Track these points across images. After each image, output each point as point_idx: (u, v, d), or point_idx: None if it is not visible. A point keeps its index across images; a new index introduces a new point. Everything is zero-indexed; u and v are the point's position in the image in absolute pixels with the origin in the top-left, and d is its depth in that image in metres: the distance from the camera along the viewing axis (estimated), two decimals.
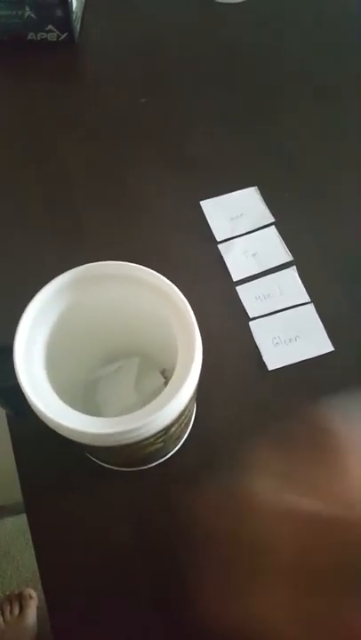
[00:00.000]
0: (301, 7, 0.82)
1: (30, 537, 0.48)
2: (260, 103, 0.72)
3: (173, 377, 0.34)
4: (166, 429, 0.36)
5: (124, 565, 0.47)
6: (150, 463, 0.49)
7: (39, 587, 0.48)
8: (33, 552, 0.48)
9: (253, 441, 0.49)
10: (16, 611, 1.22)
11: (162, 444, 0.40)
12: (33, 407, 0.33)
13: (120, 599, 0.46)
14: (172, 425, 0.37)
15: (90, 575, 0.47)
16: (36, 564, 0.47)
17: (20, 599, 1.23)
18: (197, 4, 0.82)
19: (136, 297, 0.38)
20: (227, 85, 0.74)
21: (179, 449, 0.50)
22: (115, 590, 0.47)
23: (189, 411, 0.41)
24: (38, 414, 0.33)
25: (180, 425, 0.41)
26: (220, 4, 0.81)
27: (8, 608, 1.22)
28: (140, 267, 0.37)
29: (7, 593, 1.25)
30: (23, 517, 0.50)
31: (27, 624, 1.20)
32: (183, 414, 0.38)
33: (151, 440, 0.36)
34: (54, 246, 0.61)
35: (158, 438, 0.37)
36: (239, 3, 0.81)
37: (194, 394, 0.39)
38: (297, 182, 0.66)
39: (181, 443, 0.50)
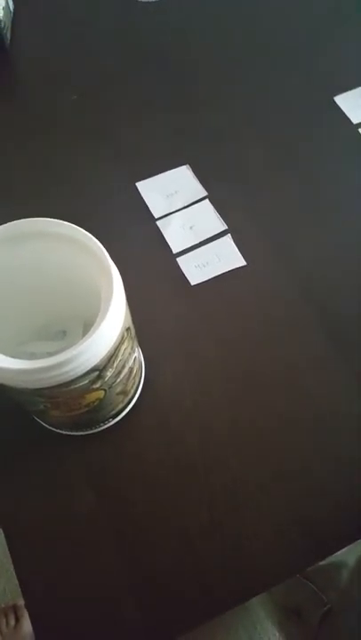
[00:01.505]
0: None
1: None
2: (181, 89, 0.77)
3: (97, 318, 0.37)
4: (99, 371, 0.39)
5: (88, 536, 0.49)
6: (100, 423, 0.51)
7: None
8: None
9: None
10: (12, 622, 1.21)
11: (102, 392, 0.43)
12: None
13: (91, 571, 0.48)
14: (103, 368, 0.39)
15: (58, 551, 0.49)
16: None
17: (15, 610, 1.23)
18: (117, 3, 0.86)
19: (58, 253, 0.40)
20: (149, 76, 0.78)
21: (131, 411, 0.53)
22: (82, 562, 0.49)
23: (125, 360, 0.44)
24: None
25: (118, 374, 0.43)
26: (141, 2, 0.86)
27: (4, 620, 1.22)
28: (58, 221, 0.39)
29: (2, 605, 1.24)
30: None
31: (24, 634, 1.20)
32: (115, 359, 0.41)
33: (85, 383, 0.39)
34: None
35: (94, 383, 0.40)
36: (162, 1, 0.86)
37: (125, 342, 0.42)
38: (223, 157, 0.70)
39: (132, 404, 0.53)
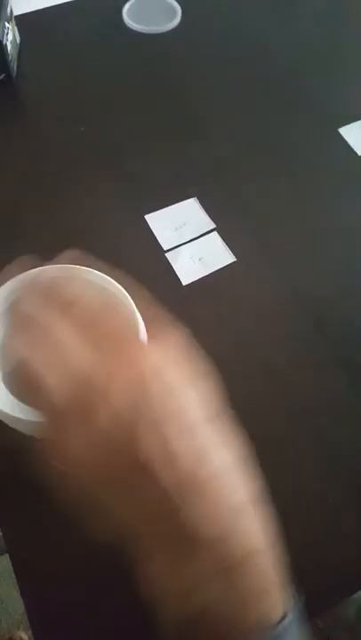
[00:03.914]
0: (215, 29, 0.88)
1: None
2: (187, 122, 0.77)
3: None
4: None
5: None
6: None
7: (29, 630, 0.48)
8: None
9: None
10: None
11: None
12: None
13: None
14: None
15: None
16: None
17: None
18: (120, 34, 0.87)
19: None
20: (155, 108, 0.79)
21: None
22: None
23: None
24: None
25: None
26: (144, 35, 0.87)
27: None
28: (89, 269, 0.39)
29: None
30: (7, 558, 0.50)
31: None
32: None
33: None
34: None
35: None
36: (162, 33, 0.87)
37: None
38: (230, 189, 0.71)
39: None
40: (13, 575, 0.49)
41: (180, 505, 0.24)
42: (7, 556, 0.51)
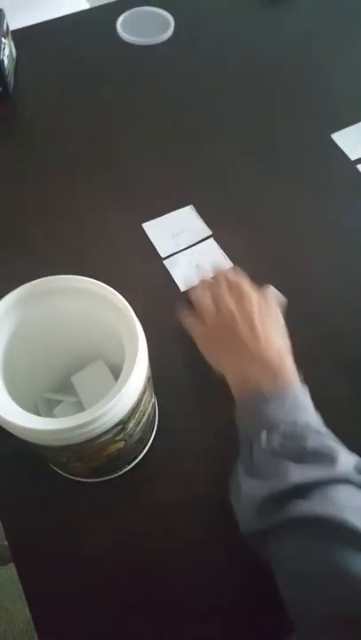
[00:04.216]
0: (215, 43, 0.90)
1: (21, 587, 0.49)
2: (182, 131, 0.79)
3: (120, 375, 0.37)
4: (122, 424, 0.39)
5: (103, 578, 0.49)
6: (118, 470, 0.51)
7: (35, 637, 0.48)
8: (25, 602, 0.48)
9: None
10: None
11: (123, 442, 0.43)
12: None
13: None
14: (127, 420, 0.40)
15: (71, 590, 0.49)
16: (29, 615, 0.48)
17: None
18: (114, 47, 0.89)
19: (84, 306, 0.41)
20: (151, 118, 0.80)
21: (146, 454, 0.53)
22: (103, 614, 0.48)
23: (145, 409, 0.44)
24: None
25: (138, 423, 0.44)
26: (139, 46, 0.88)
27: None
28: (87, 278, 0.40)
29: None
30: (11, 567, 0.50)
31: None
32: (137, 410, 0.41)
33: (109, 437, 0.39)
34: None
35: (117, 435, 0.40)
36: (156, 44, 0.89)
37: (146, 392, 0.42)
38: (226, 196, 0.72)
39: (147, 449, 0.53)
40: (18, 585, 0.50)
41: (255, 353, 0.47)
42: (12, 565, 0.51)
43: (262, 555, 0.40)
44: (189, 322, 0.55)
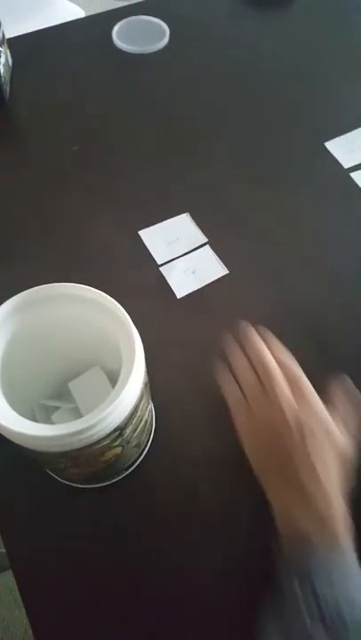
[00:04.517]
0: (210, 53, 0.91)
1: (18, 594, 0.49)
2: (178, 137, 0.79)
3: (118, 382, 0.38)
4: (119, 430, 0.39)
5: (102, 582, 0.49)
6: (116, 475, 0.51)
7: None
8: (22, 609, 0.48)
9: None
10: None
11: (120, 448, 0.43)
12: None
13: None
14: (124, 426, 0.40)
15: (72, 602, 0.49)
16: (27, 622, 0.48)
17: None
18: (110, 55, 0.90)
19: (81, 313, 0.42)
20: (146, 126, 0.81)
21: (143, 460, 0.53)
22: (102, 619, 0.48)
23: (142, 415, 0.44)
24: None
25: (136, 429, 0.44)
26: (134, 55, 0.89)
27: None
28: (84, 286, 0.41)
29: None
30: (8, 575, 0.50)
31: None
32: (135, 416, 0.41)
33: (107, 443, 0.39)
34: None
35: (114, 441, 0.40)
36: (151, 53, 0.90)
37: (143, 398, 0.42)
38: (221, 204, 0.72)
39: (144, 454, 0.53)
40: (15, 593, 0.50)
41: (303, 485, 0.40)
42: (9, 573, 0.51)
43: None
44: (235, 399, 0.47)
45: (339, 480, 0.40)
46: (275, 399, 0.43)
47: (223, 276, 0.66)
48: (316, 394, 0.44)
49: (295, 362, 0.47)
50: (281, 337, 0.61)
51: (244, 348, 0.48)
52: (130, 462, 0.51)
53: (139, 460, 0.53)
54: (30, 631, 0.48)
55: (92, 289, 0.41)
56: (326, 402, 0.44)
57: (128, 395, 0.37)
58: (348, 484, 0.41)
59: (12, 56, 0.85)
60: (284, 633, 0.37)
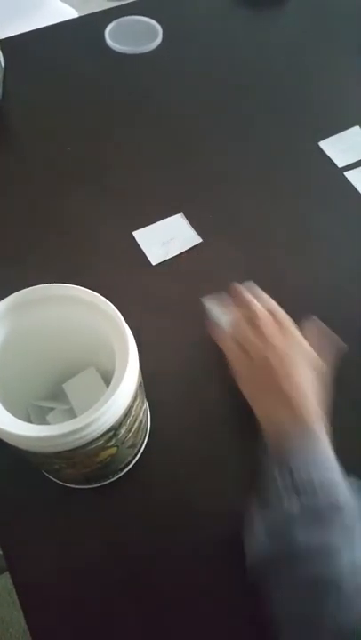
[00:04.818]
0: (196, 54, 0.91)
1: (16, 596, 0.49)
2: (172, 140, 0.79)
3: (111, 382, 0.38)
4: (114, 430, 0.40)
5: (101, 581, 0.49)
6: (111, 476, 0.51)
7: None
8: (21, 611, 0.48)
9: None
10: None
11: (115, 448, 0.43)
12: None
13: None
14: (119, 426, 0.40)
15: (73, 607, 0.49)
16: (25, 625, 0.48)
17: None
18: (103, 56, 0.90)
19: (76, 314, 0.42)
20: (140, 126, 0.81)
21: (139, 460, 0.53)
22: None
23: (137, 416, 0.44)
24: None
25: (130, 429, 0.44)
26: (127, 55, 0.89)
27: None
28: (78, 287, 0.41)
29: None
30: (6, 576, 0.50)
31: None
32: (129, 416, 0.41)
33: (101, 443, 0.39)
34: None
35: (108, 441, 0.40)
36: (144, 52, 0.90)
37: (137, 398, 0.42)
38: (215, 204, 0.73)
39: (140, 454, 0.53)
40: (13, 594, 0.50)
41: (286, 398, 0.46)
42: (7, 574, 0.51)
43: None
44: (234, 353, 0.52)
45: (314, 387, 0.47)
46: (267, 340, 0.50)
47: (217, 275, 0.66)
48: (298, 331, 0.52)
49: (279, 307, 0.54)
50: None
51: (235, 301, 0.56)
52: (125, 463, 0.51)
53: (134, 461, 0.53)
54: (29, 632, 0.48)
55: (87, 290, 0.41)
56: (305, 336, 0.52)
57: (122, 395, 0.37)
58: (325, 393, 0.48)
59: (5, 57, 0.85)
60: (265, 516, 0.42)
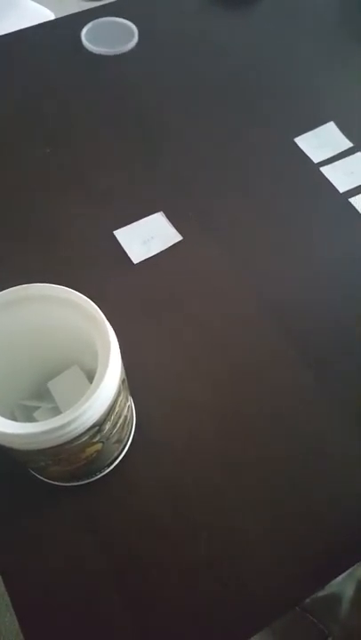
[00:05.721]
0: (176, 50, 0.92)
1: (9, 599, 0.49)
2: (149, 137, 0.80)
3: (94, 379, 0.38)
4: (99, 426, 0.40)
5: (89, 578, 0.50)
6: (98, 472, 0.52)
7: None
8: (14, 615, 0.49)
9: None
10: None
11: (100, 444, 0.44)
12: None
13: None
14: (103, 422, 0.41)
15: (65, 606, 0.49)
16: (18, 627, 0.48)
17: None
18: (79, 57, 0.90)
19: (57, 314, 0.42)
20: (117, 126, 0.81)
21: (125, 456, 0.54)
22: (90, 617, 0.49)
23: (121, 411, 0.45)
24: None
25: (115, 425, 0.45)
26: (104, 56, 0.90)
27: None
28: (60, 286, 0.41)
29: None
30: None
31: None
32: (113, 412, 0.42)
33: (86, 439, 0.40)
34: None
35: (93, 437, 0.41)
36: (120, 54, 0.90)
37: (121, 394, 0.43)
38: (194, 202, 0.74)
39: (126, 449, 0.54)
40: (5, 597, 0.50)
41: None
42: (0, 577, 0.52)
43: None
44: None
45: None
46: None
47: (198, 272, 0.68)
48: None
49: None
50: (257, 333, 0.63)
51: None
52: (112, 459, 0.52)
53: (121, 456, 0.54)
54: (22, 635, 0.48)
55: (66, 288, 0.41)
56: None
57: (105, 391, 0.38)
58: None
59: None
60: None
